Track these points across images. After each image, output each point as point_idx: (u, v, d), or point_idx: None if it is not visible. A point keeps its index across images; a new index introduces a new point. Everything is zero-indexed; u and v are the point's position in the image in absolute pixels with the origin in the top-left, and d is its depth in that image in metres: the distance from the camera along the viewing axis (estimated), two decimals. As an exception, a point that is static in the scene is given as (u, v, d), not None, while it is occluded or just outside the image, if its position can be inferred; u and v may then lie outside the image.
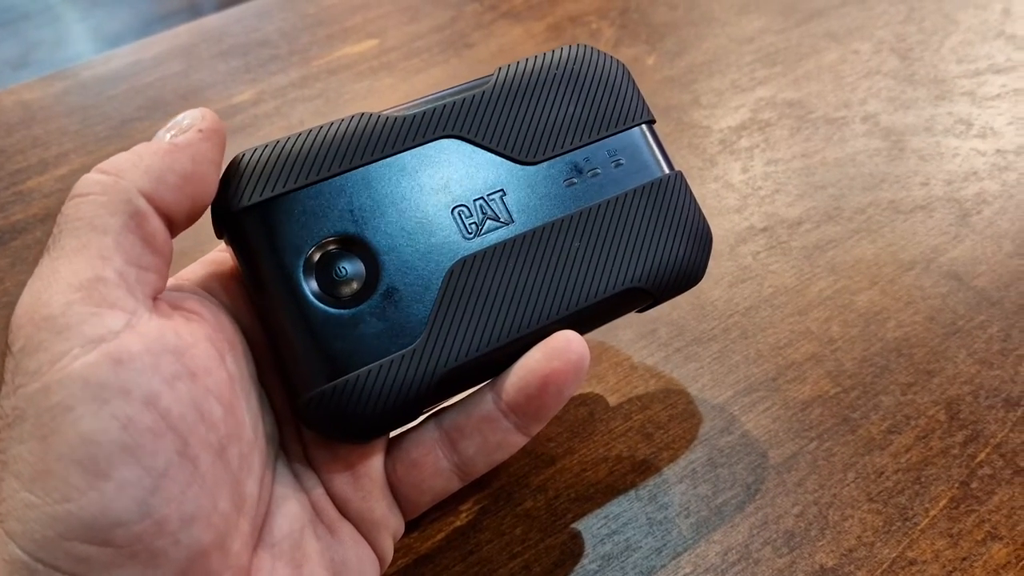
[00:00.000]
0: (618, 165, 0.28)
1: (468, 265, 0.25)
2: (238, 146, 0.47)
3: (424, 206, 0.26)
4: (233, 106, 0.50)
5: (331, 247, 0.25)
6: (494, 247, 0.26)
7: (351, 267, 0.25)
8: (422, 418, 0.26)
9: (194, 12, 1.99)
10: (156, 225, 0.22)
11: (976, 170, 0.41)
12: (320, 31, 0.55)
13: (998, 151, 0.41)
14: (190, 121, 0.24)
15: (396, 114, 0.26)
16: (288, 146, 0.25)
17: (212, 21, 0.57)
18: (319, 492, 0.25)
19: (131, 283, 0.21)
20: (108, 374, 0.19)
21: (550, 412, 0.25)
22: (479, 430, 0.25)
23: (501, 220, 0.26)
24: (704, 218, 0.29)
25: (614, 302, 0.27)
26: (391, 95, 0.49)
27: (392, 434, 0.26)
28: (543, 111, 0.28)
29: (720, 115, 0.45)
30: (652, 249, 0.27)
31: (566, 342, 0.25)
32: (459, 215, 0.26)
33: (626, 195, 0.27)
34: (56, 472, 0.19)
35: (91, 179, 0.22)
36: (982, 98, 0.45)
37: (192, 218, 0.24)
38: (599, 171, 0.28)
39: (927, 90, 0.46)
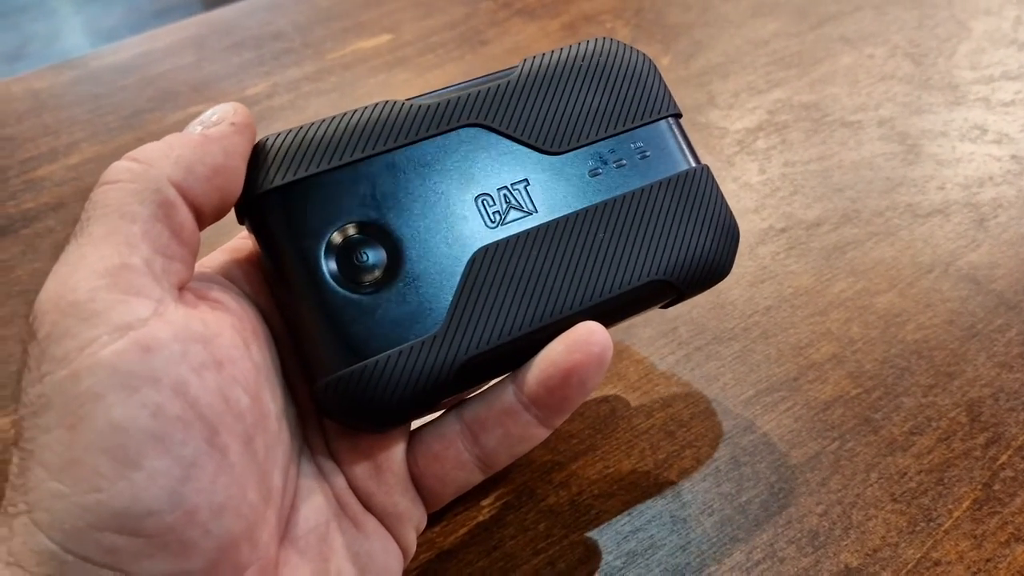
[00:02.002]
0: (644, 157, 0.28)
1: (491, 253, 0.25)
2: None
3: (447, 194, 0.26)
4: (247, 98, 0.49)
5: (353, 232, 0.24)
6: (517, 236, 0.25)
7: (372, 253, 0.24)
8: (442, 411, 0.26)
9: (190, 10, 1.98)
10: (184, 215, 0.22)
11: (992, 175, 0.41)
12: (334, 24, 0.55)
13: (1013, 157, 0.42)
14: (221, 115, 0.24)
15: (421, 102, 0.26)
16: (312, 132, 0.25)
17: (224, 13, 0.57)
18: (342, 485, 0.25)
19: (157, 272, 0.21)
20: (137, 362, 0.19)
21: (572, 405, 0.25)
22: (501, 423, 0.25)
23: (525, 210, 0.26)
24: (731, 212, 0.28)
25: (638, 295, 0.26)
26: (406, 90, 0.49)
27: (413, 427, 0.26)
28: (569, 102, 0.27)
29: (736, 116, 0.45)
30: (678, 242, 0.27)
31: (588, 333, 0.24)
32: (482, 204, 0.26)
33: (652, 187, 0.27)
34: (85, 461, 0.18)
35: (121, 166, 0.22)
36: (996, 104, 0.45)
37: (221, 211, 0.24)
38: (624, 162, 0.27)
39: (942, 95, 0.46)
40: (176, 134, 0.23)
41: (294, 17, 0.56)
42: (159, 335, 0.20)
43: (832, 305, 0.36)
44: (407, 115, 0.26)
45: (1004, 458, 0.30)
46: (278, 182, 0.24)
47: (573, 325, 0.25)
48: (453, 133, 0.26)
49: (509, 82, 0.27)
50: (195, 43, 0.54)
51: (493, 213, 0.26)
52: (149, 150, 0.22)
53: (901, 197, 0.40)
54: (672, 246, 0.27)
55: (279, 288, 0.25)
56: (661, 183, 0.27)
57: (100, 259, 0.20)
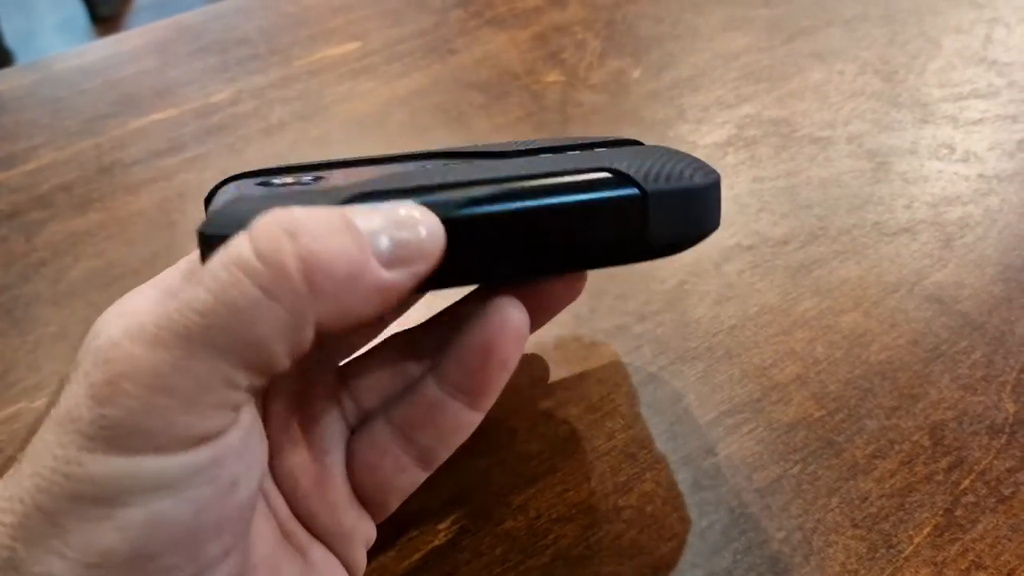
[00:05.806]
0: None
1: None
2: (215, 146, 0.46)
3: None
4: (211, 105, 0.48)
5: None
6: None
7: None
8: (370, 420, 0.26)
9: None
10: None
11: (959, 194, 0.41)
12: (301, 31, 0.54)
13: (980, 176, 0.42)
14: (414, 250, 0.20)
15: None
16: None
17: (190, 17, 0.56)
18: (285, 513, 0.24)
19: None
20: None
21: (498, 385, 0.24)
22: (430, 418, 0.24)
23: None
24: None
25: (590, 187, 0.21)
26: (372, 99, 0.48)
27: (345, 440, 0.26)
28: None
29: (706, 131, 0.45)
30: (648, 161, 0.22)
31: (500, 309, 0.23)
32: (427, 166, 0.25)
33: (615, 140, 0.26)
34: None
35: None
36: (965, 123, 0.45)
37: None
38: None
39: (911, 113, 0.46)
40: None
41: (260, 23, 0.55)
42: None
43: (797, 324, 0.35)
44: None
45: (966, 483, 0.30)
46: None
47: (515, 196, 0.21)
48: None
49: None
50: (159, 47, 0.53)
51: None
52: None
53: (868, 215, 0.40)
54: (640, 161, 0.22)
55: None
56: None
57: None
